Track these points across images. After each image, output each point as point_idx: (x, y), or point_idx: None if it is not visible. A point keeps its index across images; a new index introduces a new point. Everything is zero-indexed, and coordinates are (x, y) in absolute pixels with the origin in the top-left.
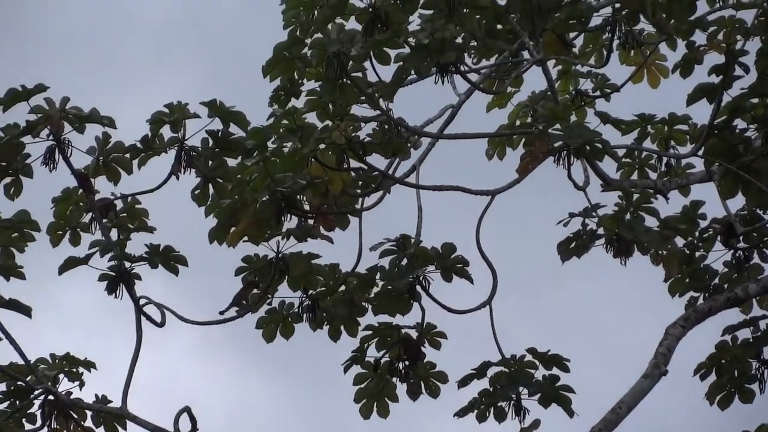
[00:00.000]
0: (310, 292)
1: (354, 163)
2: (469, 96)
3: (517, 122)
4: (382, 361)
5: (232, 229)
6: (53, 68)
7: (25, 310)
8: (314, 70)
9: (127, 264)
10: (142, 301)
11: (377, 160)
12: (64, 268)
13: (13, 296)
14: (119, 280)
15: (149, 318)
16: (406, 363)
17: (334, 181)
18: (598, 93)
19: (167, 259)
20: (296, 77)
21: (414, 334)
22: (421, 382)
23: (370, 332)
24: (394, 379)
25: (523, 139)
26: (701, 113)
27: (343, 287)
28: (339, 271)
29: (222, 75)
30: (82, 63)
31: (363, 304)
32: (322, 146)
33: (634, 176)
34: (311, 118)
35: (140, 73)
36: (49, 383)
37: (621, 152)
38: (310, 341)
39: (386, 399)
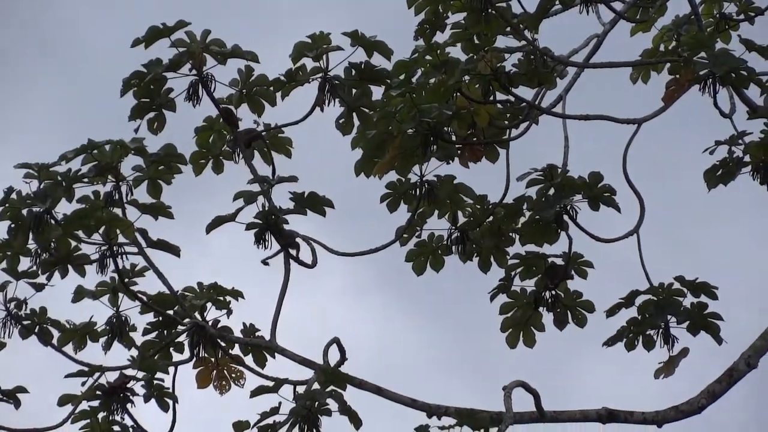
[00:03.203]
0: (459, 222)
1: (500, 96)
2: (613, 26)
3: (661, 47)
4: (529, 290)
5: (378, 161)
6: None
7: (174, 250)
8: (459, 3)
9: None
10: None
11: (522, 93)
12: (211, 226)
13: (161, 237)
14: (266, 228)
15: (298, 261)
16: (553, 292)
17: (480, 114)
18: (742, 17)
19: (313, 204)
20: (441, 10)
21: (560, 263)
22: (567, 311)
23: (517, 261)
24: (541, 309)
25: (668, 66)
26: None
27: (490, 218)
28: (487, 202)
29: (362, 14)
30: (217, 14)
31: (510, 234)
32: (467, 78)
33: None
34: (455, 52)
35: (278, 23)
36: (196, 313)
37: None
38: (454, 273)
39: (532, 328)
